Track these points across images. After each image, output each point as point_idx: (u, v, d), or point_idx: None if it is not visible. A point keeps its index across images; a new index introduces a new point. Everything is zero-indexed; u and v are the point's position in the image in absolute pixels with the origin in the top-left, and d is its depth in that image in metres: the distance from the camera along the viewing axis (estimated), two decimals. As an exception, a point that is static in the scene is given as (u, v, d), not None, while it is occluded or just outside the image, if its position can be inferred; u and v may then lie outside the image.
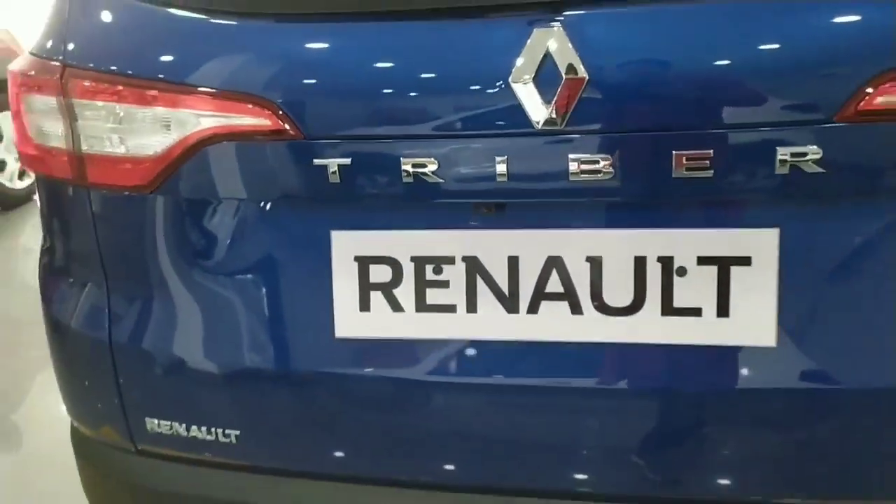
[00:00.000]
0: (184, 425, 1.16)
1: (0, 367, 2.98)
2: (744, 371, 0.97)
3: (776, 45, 0.87)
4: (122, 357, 1.16)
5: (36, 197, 4.28)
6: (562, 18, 0.89)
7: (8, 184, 4.67)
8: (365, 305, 1.03)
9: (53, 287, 1.24)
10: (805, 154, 0.87)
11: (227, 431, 1.14)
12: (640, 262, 0.96)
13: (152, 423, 1.18)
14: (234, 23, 1.00)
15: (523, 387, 1.02)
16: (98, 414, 1.24)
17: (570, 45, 0.88)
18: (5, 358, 3.07)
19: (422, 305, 1.02)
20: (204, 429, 1.15)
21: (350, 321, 1.04)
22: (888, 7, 0.84)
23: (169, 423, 1.17)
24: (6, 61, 4.16)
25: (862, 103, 0.85)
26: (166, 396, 1.16)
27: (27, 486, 2.23)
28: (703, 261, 0.95)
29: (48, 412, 2.65)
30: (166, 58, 1.02)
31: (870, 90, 0.84)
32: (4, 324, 3.36)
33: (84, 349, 1.21)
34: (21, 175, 4.76)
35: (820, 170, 0.87)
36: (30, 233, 4.54)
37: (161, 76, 1.02)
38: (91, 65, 1.06)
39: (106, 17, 1.09)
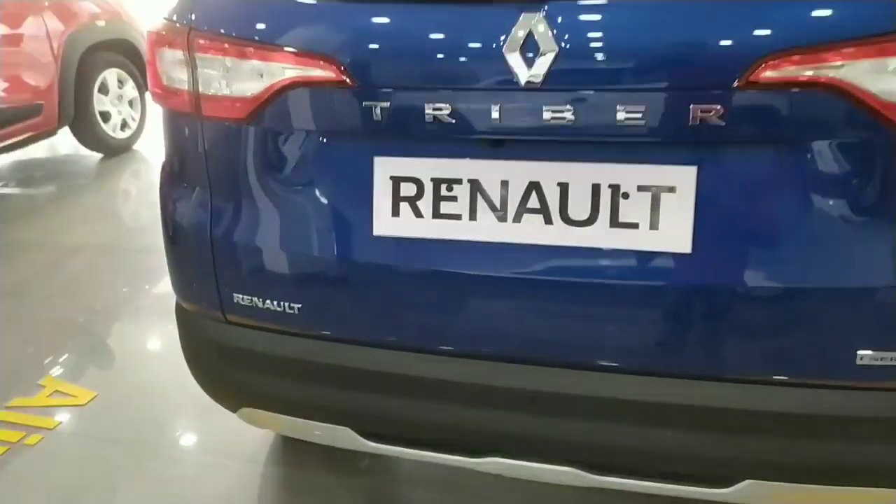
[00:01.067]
0: (261, 300, 1.55)
1: (108, 288, 3.50)
2: (668, 270, 1.30)
3: (695, 32, 1.20)
4: (218, 246, 1.57)
5: (135, 146, 4.83)
6: (541, 7, 1.24)
7: (112, 133, 5.19)
8: (396, 212, 1.40)
9: (170, 193, 1.65)
10: (711, 111, 1.20)
11: (291, 304, 1.53)
12: (595, 188, 1.30)
13: (238, 298, 1.58)
14: (310, 1, 1.39)
15: (508, 278, 1.38)
16: (198, 292, 1.65)
17: (546, 27, 1.23)
18: (111, 279, 3.58)
19: (437, 214, 1.38)
20: (275, 303, 1.54)
21: (384, 223, 1.41)
22: (767, 9, 1.16)
23: (250, 298, 1.57)
24: (115, 23, 4.69)
25: (752, 76, 1.17)
26: (250, 278, 1.56)
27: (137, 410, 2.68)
28: (641, 188, 1.28)
29: (152, 334, 3.14)
30: (261, 25, 1.41)
31: (758, 67, 1.17)
32: (107, 251, 3.88)
33: (191, 240, 1.62)
34: (123, 126, 5.28)
35: (723, 123, 1.20)
36: (128, 178, 5.07)
37: (257, 38, 1.41)
38: (208, 28, 1.46)
39: (218, -8, 1.49)
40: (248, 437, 2.29)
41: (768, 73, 1.17)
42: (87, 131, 5.05)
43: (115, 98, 5.17)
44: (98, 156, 5.29)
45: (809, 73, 1.16)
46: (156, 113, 1.87)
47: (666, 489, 1.46)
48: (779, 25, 1.17)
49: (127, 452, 2.33)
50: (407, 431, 1.57)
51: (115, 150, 5.25)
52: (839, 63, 1.15)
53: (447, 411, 1.49)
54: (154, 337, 3.05)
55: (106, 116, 5.12)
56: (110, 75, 5.08)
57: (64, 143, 5.64)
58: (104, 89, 5.06)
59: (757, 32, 1.17)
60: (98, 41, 4.92)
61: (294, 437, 1.83)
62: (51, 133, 4.83)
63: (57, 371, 2.75)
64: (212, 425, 2.40)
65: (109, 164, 5.21)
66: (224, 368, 1.69)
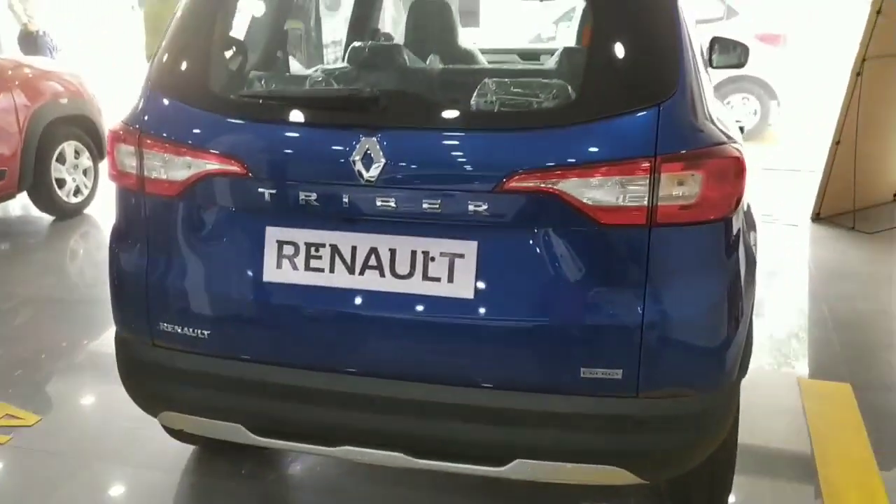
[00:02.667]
0: (180, 328, 2.12)
1: (54, 333, 3.98)
2: (459, 309, 1.91)
3: (470, 156, 1.86)
4: (151, 287, 2.14)
5: (86, 211, 5.36)
6: (376, 133, 1.88)
7: (65, 199, 5.69)
8: (280, 265, 2.00)
9: (118, 247, 2.22)
10: (481, 206, 1.84)
11: (202, 331, 2.10)
12: (413, 253, 1.92)
13: (163, 327, 2.14)
14: (222, 118, 2.02)
15: (354, 314, 1.98)
16: (133, 322, 2.21)
17: (378, 146, 1.87)
18: (57, 325, 4.07)
19: (307, 267, 1.99)
20: (190, 329, 2.11)
21: (271, 273, 2.01)
22: (513, 143, 1.83)
23: (172, 326, 2.13)
24: (76, 101, 5.31)
25: (504, 185, 1.81)
26: (172, 311, 2.12)
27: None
28: (442, 254, 1.91)
29: (90, 370, 3.64)
30: (189, 132, 2.03)
31: (507, 180, 1.82)
32: (55, 302, 4.37)
33: (131, 282, 2.18)
34: (76, 192, 5.80)
35: (489, 214, 1.84)
36: (77, 239, 5.55)
37: (186, 141, 2.02)
38: (153, 132, 2.08)
39: (162, 106, 2.11)
40: (169, 452, 2.81)
41: (513, 184, 1.82)
42: (43, 196, 5.55)
43: (72, 167, 5.69)
44: (50, 218, 5.78)
45: (539, 185, 1.81)
46: (107, 182, 2.43)
47: (463, 468, 2.04)
48: (519, 155, 1.83)
49: (63, 463, 2.82)
50: (282, 427, 2.13)
51: (68, 214, 5.73)
52: (558, 180, 1.81)
53: (311, 411, 2.06)
54: (91, 372, 3.53)
55: (61, 183, 5.63)
56: (69, 146, 5.62)
57: (15, 205, 6.13)
58: (62, 159, 5.59)
59: (505, 158, 1.83)
60: (60, 116, 5.48)
61: (200, 434, 2.35)
62: (11, 196, 5.33)
63: (8, 398, 3.22)
64: (136, 443, 2.91)
65: (61, 226, 5.69)
66: (149, 381, 2.24)
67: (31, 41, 8.34)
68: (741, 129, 2.68)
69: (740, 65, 3.95)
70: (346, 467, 2.76)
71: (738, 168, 1.90)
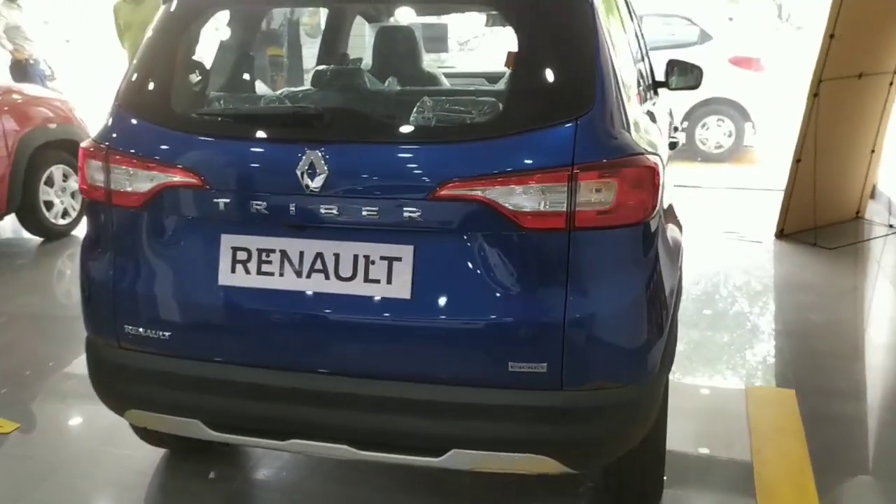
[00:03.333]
0: (143, 330, 2.28)
1: (37, 347, 4.13)
2: (398, 309, 2.07)
3: (405, 166, 2.03)
4: (117, 293, 2.29)
5: (73, 232, 5.53)
6: (320, 147, 2.05)
7: (53, 221, 5.86)
8: (234, 270, 2.16)
9: (87, 257, 2.38)
10: (416, 213, 2.01)
11: (163, 333, 2.26)
12: (355, 257, 2.09)
13: (129, 330, 2.29)
14: (182, 134, 2.20)
15: (301, 313, 2.13)
16: (102, 326, 2.36)
17: (321, 158, 2.04)
18: (40, 339, 4.22)
19: (259, 271, 2.15)
20: (152, 332, 2.26)
21: (226, 276, 2.17)
22: (444, 154, 2.01)
23: (137, 329, 2.29)
24: (65, 126, 5.51)
25: (435, 193, 1.99)
26: (137, 315, 2.27)
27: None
28: (382, 258, 2.07)
29: (69, 382, 3.78)
30: (151, 148, 2.20)
31: (438, 188, 1.99)
32: (40, 319, 4.53)
33: (100, 289, 2.33)
34: (63, 215, 5.96)
35: (423, 220, 2.01)
36: (64, 260, 5.71)
37: (151, 156, 2.19)
38: (120, 148, 2.25)
39: (128, 125, 2.29)
40: (140, 456, 2.95)
41: (444, 192, 1.99)
42: (32, 218, 5.72)
43: (59, 190, 5.87)
44: (38, 239, 5.94)
45: (467, 192, 1.98)
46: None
47: (403, 459, 2.19)
48: (450, 165, 2.01)
49: (37, 467, 2.95)
50: (236, 422, 2.27)
51: (55, 236, 5.89)
52: (484, 188, 1.98)
53: (261, 406, 2.21)
54: (70, 384, 3.68)
55: (49, 205, 5.79)
56: (57, 170, 5.80)
57: (5, 226, 6.29)
58: (50, 182, 5.76)
59: (437, 169, 2.01)
60: (48, 140, 5.65)
61: (163, 430, 2.49)
62: (-1, 218, 5.51)
63: (-12, 407, 3.37)
64: (109, 448, 3.05)
65: (48, 248, 5.86)
66: (115, 381, 2.39)
67: (20, 69, 8.57)
68: (672, 144, 2.87)
69: (696, 86, 4.15)
70: (309, 470, 2.91)
71: (651, 176, 2.07)
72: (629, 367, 2.12)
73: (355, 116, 2.37)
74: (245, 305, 2.18)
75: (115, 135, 2.28)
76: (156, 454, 2.98)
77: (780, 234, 5.69)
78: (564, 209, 1.98)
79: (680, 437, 2.92)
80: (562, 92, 2.07)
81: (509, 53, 2.38)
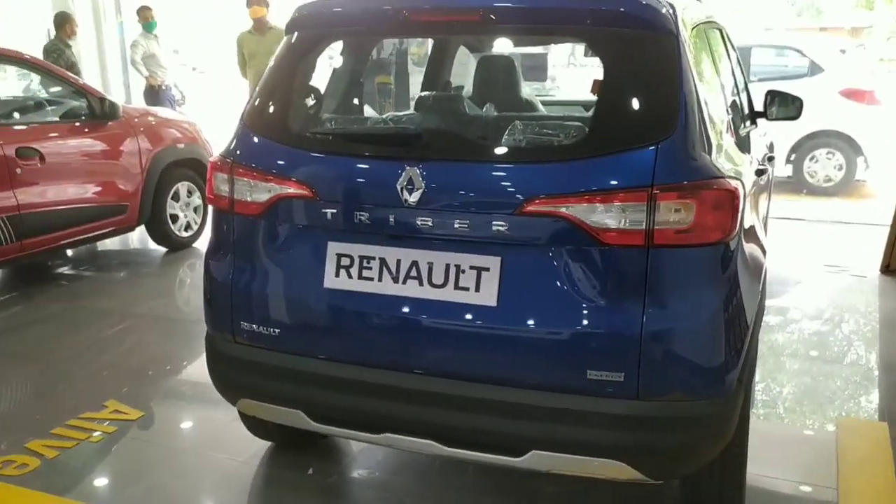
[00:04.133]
0: (257, 326, 2.53)
1: (160, 344, 4.52)
2: (485, 315, 2.24)
3: (494, 184, 2.21)
4: (235, 292, 2.56)
5: (195, 244, 5.99)
6: (418, 164, 2.26)
7: (177, 233, 6.34)
8: (338, 274, 2.39)
9: (211, 259, 2.66)
10: (503, 226, 2.18)
11: (274, 329, 2.50)
12: (447, 266, 2.27)
13: (243, 325, 2.55)
14: (297, 151, 2.45)
15: (396, 316, 2.33)
16: (220, 322, 2.63)
17: (419, 175, 2.24)
18: (162, 338, 4.61)
19: (360, 276, 2.36)
20: (265, 328, 2.51)
21: (331, 280, 2.39)
22: (530, 174, 2.17)
23: (251, 325, 2.54)
24: (192, 146, 6.01)
25: (522, 209, 2.15)
26: (251, 312, 2.53)
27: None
28: (472, 268, 2.25)
29: (190, 377, 4.13)
30: (270, 163, 2.47)
31: (525, 204, 2.15)
32: (162, 320, 4.94)
33: (219, 288, 2.61)
34: (186, 228, 6.44)
35: (510, 234, 2.18)
36: (185, 269, 6.15)
37: (269, 169, 2.46)
38: (243, 162, 2.52)
39: (251, 142, 2.56)
40: (248, 447, 3.21)
41: (530, 208, 2.16)
42: (158, 230, 6.21)
43: (184, 205, 6.34)
44: (163, 250, 6.44)
45: (552, 209, 2.14)
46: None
47: (486, 458, 2.34)
48: (536, 184, 2.17)
49: (158, 452, 3.27)
50: (335, 415, 2.49)
51: (178, 247, 6.37)
52: (568, 205, 2.14)
53: (359, 401, 2.41)
54: (190, 379, 4.02)
55: (174, 218, 6.27)
56: (182, 186, 6.28)
57: (134, 237, 6.84)
58: (176, 197, 6.24)
59: (524, 186, 2.17)
60: (176, 159, 6.14)
61: (269, 419, 2.73)
62: (130, 229, 6.01)
63: (117, 396, 3.72)
64: (221, 439, 3.33)
65: (171, 258, 6.33)
66: (231, 372, 2.65)
67: (154, 94, 9.29)
68: (760, 171, 2.92)
69: (796, 117, 4.17)
70: (399, 469, 3.10)
71: (730, 199, 2.17)
72: (705, 382, 2.20)
73: (450, 137, 2.57)
74: (346, 307, 2.39)
75: (239, 151, 2.56)
76: (261, 446, 3.23)
77: (886, 269, 5.53)
78: (644, 227, 2.10)
79: (766, 462, 2.96)
80: (644, 118, 2.21)
81: (595, 81, 2.53)
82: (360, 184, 2.36)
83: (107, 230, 5.68)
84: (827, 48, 8.66)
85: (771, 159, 3.98)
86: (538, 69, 4.93)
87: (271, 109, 2.61)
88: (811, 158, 8.48)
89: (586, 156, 2.20)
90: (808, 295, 5.25)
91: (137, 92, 10.43)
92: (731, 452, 2.42)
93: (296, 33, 2.64)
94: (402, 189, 2.26)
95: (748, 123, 3.74)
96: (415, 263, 2.31)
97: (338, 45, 3.06)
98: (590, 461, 2.24)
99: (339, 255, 2.39)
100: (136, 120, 5.88)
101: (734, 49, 4.09)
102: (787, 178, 8.86)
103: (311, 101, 2.76)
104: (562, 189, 2.16)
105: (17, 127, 5.22)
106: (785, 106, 4.13)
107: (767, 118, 4.19)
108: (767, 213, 4.11)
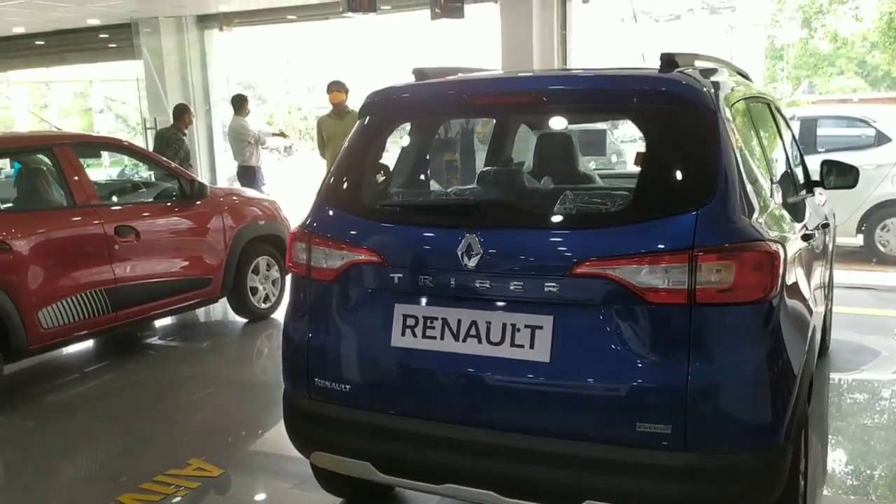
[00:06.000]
0: (329, 383, 2.74)
1: (239, 409, 4.78)
2: (540, 370, 2.40)
3: (545, 249, 2.40)
4: (311, 352, 2.79)
5: (272, 315, 6.30)
6: (476, 232, 2.48)
7: (257, 304, 6.69)
8: (403, 333, 2.59)
9: (290, 321, 2.91)
10: (556, 287, 2.36)
11: (345, 386, 2.71)
12: (504, 325, 2.46)
13: (318, 383, 2.77)
14: (367, 222, 2.70)
15: (457, 372, 2.51)
16: (297, 379, 2.86)
17: (477, 241, 2.46)
18: (242, 402, 4.87)
19: (424, 335, 2.57)
20: (336, 385, 2.73)
21: (397, 339, 2.60)
22: (580, 239, 2.36)
23: (324, 382, 2.76)
24: (271, 223, 6.40)
25: (572, 271, 2.34)
26: (325, 370, 2.75)
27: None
28: (526, 326, 2.43)
29: (269, 437, 4.36)
30: (342, 233, 2.72)
31: (575, 267, 2.34)
32: (242, 386, 5.21)
33: (297, 348, 2.85)
34: (265, 299, 6.79)
35: (562, 294, 2.36)
36: (263, 339, 6.47)
37: (343, 239, 2.71)
38: (319, 232, 2.79)
39: (326, 214, 2.83)
40: (318, 502, 3.39)
41: (580, 270, 2.34)
42: (239, 301, 6.57)
43: (263, 278, 6.71)
44: (243, 320, 6.79)
45: (600, 271, 2.32)
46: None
47: (541, 507, 2.47)
48: (585, 248, 2.36)
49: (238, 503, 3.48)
50: (400, 466, 2.66)
51: (257, 317, 6.71)
52: (615, 267, 2.31)
53: (422, 452, 2.58)
54: (266, 440, 4.24)
55: (254, 291, 6.64)
56: (262, 260, 6.65)
57: (217, 309, 7.22)
58: (256, 270, 6.62)
59: (574, 250, 2.36)
60: (257, 235, 6.54)
61: (339, 471, 2.90)
62: (214, 301, 6.38)
63: (200, 455, 3.97)
64: (294, 495, 3.53)
65: (251, 328, 6.66)
66: (306, 426, 2.87)
67: (250, 174, 9.84)
68: (806, 236, 3.03)
69: (853, 186, 4.27)
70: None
71: (770, 260, 2.31)
72: (751, 435, 2.30)
73: (505, 206, 2.79)
74: (412, 364, 2.59)
75: (316, 223, 2.83)
76: (334, 501, 3.40)
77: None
78: (685, 287, 2.26)
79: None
80: (684, 186, 2.39)
81: (638, 153, 2.73)
82: (423, 250, 2.59)
83: (193, 301, 6.06)
84: (893, 118, 8.63)
85: (826, 226, 4.06)
86: (597, 144, 5.16)
87: (344, 185, 2.88)
88: (882, 227, 8.38)
89: (631, 221, 2.39)
90: (877, 360, 5.19)
91: (222, 173, 11.07)
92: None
93: (368, 117, 2.94)
94: (461, 254, 2.47)
95: (801, 192, 3.86)
96: (474, 323, 2.50)
97: (404, 127, 3.35)
98: (643, 512, 2.34)
99: (405, 316, 2.60)
100: (221, 199, 6.32)
101: (786, 122, 4.24)
102: (858, 248, 8.75)
103: (380, 177, 3.03)
104: (608, 252, 2.34)
105: (115, 207, 5.70)
106: (842, 175, 4.23)
107: (825, 187, 4.29)
108: (825, 277, 4.16)
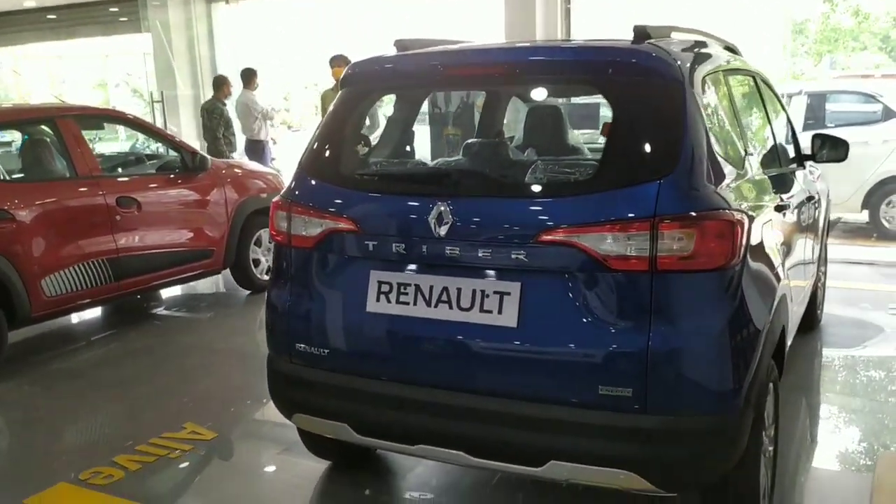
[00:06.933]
0: (308, 347, 2.83)
1: (238, 376, 4.90)
2: (506, 335, 2.47)
3: (512, 218, 2.46)
4: (291, 316, 2.87)
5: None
6: (447, 201, 2.53)
7: (259, 276, 6.79)
8: (378, 299, 2.66)
9: (271, 287, 3.00)
10: (521, 254, 2.42)
11: (323, 350, 2.79)
12: (473, 291, 2.52)
13: (298, 347, 2.86)
14: (345, 190, 2.77)
15: (428, 336, 2.59)
16: (278, 344, 2.95)
17: (448, 210, 2.52)
18: (241, 371, 4.99)
19: (398, 301, 2.63)
20: (315, 349, 2.81)
21: (372, 305, 2.67)
22: (545, 207, 2.42)
23: (303, 346, 2.84)
24: (275, 196, 6.29)
25: (538, 239, 2.40)
26: (304, 334, 2.83)
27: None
28: (495, 292, 2.49)
29: (261, 402, 4.48)
30: (321, 202, 2.79)
31: (540, 234, 2.39)
32: (243, 355, 5.33)
33: (279, 313, 2.93)
34: (268, 271, 6.88)
35: (527, 261, 2.42)
36: (264, 311, 6.59)
37: (320, 208, 2.78)
38: (300, 201, 2.86)
39: (306, 184, 2.90)
40: (308, 467, 3.49)
41: (546, 238, 2.40)
42: (242, 273, 6.67)
43: (266, 250, 6.81)
44: (246, 292, 6.90)
45: (564, 238, 2.38)
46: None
47: (510, 467, 2.54)
48: (551, 216, 2.41)
49: (228, 468, 3.62)
50: (376, 427, 2.74)
51: (260, 289, 6.78)
52: (579, 235, 2.37)
53: (396, 415, 2.67)
54: (260, 407, 4.36)
55: (256, 263, 6.74)
56: (265, 233, 6.73)
57: (220, 280, 7.33)
58: (258, 242, 6.71)
59: (540, 218, 2.42)
60: (260, 207, 6.62)
61: (320, 433, 3.00)
62: (217, 272, 6.49)
63: (196, 419, 4.09)
64: (284, 459, 3.64)
65: (253, 299, 6.76)
66: (287, 389, 2.96)
67: (258, 148, 9.92)
68: (779, 207, 3.06)
69: (843, 159, 4.29)
70: (450, 490, 3.31)
71: (730, 229, 2.36)
72: (710, 398, 2.37)
73: (475, 176, 2.85)
74: (386, 329, 2.67)
75: (296, 192, 2.90)
76: (321, 467, 3.51)
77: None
78: (647, 254, 2.31)
79: (802, 493, 3.04)
80: (649, 155, 2.43)
81: (605, 124, 2.77)
82: (397, 218, 2.66)
83: (195, 273, 6.16)
84: (901, 93, 8.57)
85: (812, 199, 4.08)
86: (590, 118, 5.19)
87: (325, 155, 2.95)
88: (888, 203, 8.35)
89: (597, 190, 2.44)
90: (867, 334, 5.22)
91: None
92: (744, 474, 2.55)
93: (348, 88, 2.99)
94: (433, 223, 2.54)
95: (788, 165, 3.88)
96: (445, 289, 2.57)
97: (387, 98, 3.40)
98: (603, 471, 2.42)
99: (380, 283, 2.67)
100: (223, 172, 6.40)
101: (776, 96, 4.25)
102: (864, 224, 8.73)
103: (359, 148, 3.09)
104: (573, 220, 2.39)
105: (118, 179, 5.80)
106: (834, 149, 4.25)
107: (816, 160, 4.31)
108: (813, 250, 4.19)
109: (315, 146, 2.97)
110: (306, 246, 2.83)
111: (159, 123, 11.05)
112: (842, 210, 8.61)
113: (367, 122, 4.32)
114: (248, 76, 9.88)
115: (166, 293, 6.95)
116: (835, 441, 3.76)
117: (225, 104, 9.60)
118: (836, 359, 4.82)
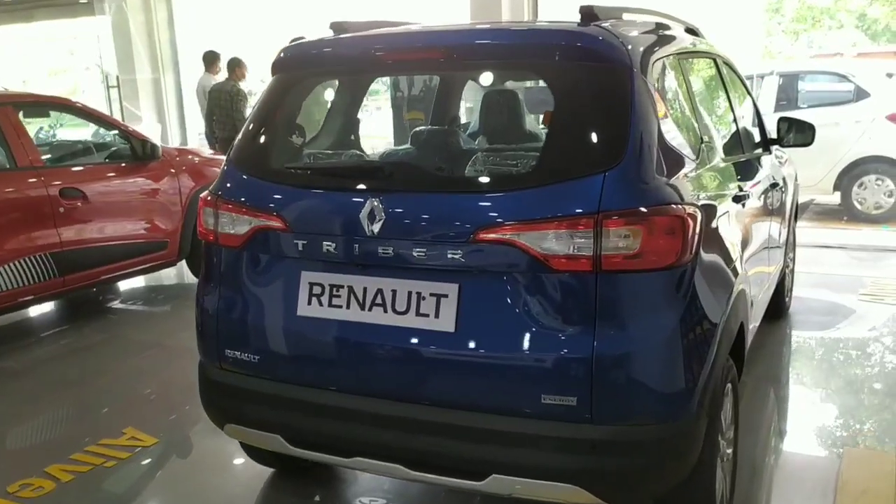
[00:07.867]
0: (239, 353, 2.64)
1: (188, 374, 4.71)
2: (444, 340, 2.29)
3: (448, 215, 2.27)
4: (220, 320, 2.68)
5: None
6: (379, 196, 2.35)
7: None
8: (310, 302, 2.48)
9: (201, 288, 2.80)
10: (458, 254, 2.25)
11: (253, 356, 2.61)
12: (409, 293, 2.34)
13: (228, 353, 2.67)
14: (272, 185, 2.57)
15: (362, 342, 2.41)
16: (209, 350, 2.76)
17: (380, 206, 2.33)
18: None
19: (330, 304, 2.45)
20: (245, 355, 2.62)
21: (303, 308, 2.49)
22: (484, 203, 2.24)
23: (233, 352, 2.65)
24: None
25: (474, 237, 2.22)
26: (234, 340, 2.65)
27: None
28: (431, 294, 2.32)
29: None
30: (249, 198, 2.59)
31: (477, 233, 2.22)
32: (187, 351, 5.12)
33: (208, 317, 2.74)
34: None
35: (464, 261, 2.24)
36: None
37: (248, 205, 2.59)
38: (226, 198, 2.66)
39: (235, 178, 2.70)
40: (253, 474, 3.32)
41: (482, 236, 2.22)
42: (199, 264, 6.45)
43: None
44: (206, 284, 6.70)
45: (503, 236, 2.20)
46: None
47: (450, 481, 2.38)
48: (488, 213, 2.23)
49: (166, 476, 3.43)
50: (309, 438, 2.57)
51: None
52: (518, 233, 2.19)
53: (330, 425, 2.49)
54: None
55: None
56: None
57: (172, 273, 7.11)
58: (216, 233, 6.52)
59: (477, 215, 2.24)
60: (217, 197, 6.41)
61: (253, 444, 2.83)
62: (172, 264, 6.26)
63: (136, 423, 3.89)
64: (228, 465, 3.46)
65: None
66: (217, 398, 2.77)
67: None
68: (737, 197, 2.90)
69: (809, 143, 4.14)
70: (402, 496, 3.15)
71: (680, 224, 2.19)
72: (660, 406, 2.21)
73: (411, 169, 2.66)
74: (317, 334, 2.49)
75: (223, 187, 2.70)
76: (266, 472, 3.33)
77: (925, 298, 5.34)
78: (591, 253, 2.14)
79: (765, 492, 2.94)
80: (593, 146, 2.26)
81: (546, 113, 2.59)
82: (327, 215, 2.47)
83: (148, 265, 5.94)
84: (873, 73, 8.44)
85: (777, 185, 3.93)
86: (549, 102, 4.97)
87: (253, 148, 2.75)
88: (860, 185, 8.25)
89: (537, 184, 2.26)
90: (835, 323, 5.10)
91: (192, 132, 10.88)
92: (699, 480, 2.40)
93: (278, 74, 2.79)
94: (364, 220, 2.35)
95: (752, 151, 3.72)
96: (380, 291, 2.39)
97: (319, 88, 3.20)
98: (547, 485, 2.26)
99: (312, 284, 2.49)
100: (176, 160, 6.16)
101: (740, 79, 4.08)
102: (837, 206, 8.63)
103: (294, 139, 2.89)
104: (512, 217, 2.22)
105: (61, 169, 5.54)
106: (800, 133, 4.10)
107: (783, 145, 4.16)
108: (779, 237, 4.05)
109: (244, 138, 2.77)
110: (234, 245, 2.64)
111: (116, 109, 10.73)
112: (814, 192, 8.51)
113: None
114: (211, 60, 9.60)
115: (124, 285, 6.72)
116: (801, 435, 3.64)
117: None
118: (805, 347, 4.71)
